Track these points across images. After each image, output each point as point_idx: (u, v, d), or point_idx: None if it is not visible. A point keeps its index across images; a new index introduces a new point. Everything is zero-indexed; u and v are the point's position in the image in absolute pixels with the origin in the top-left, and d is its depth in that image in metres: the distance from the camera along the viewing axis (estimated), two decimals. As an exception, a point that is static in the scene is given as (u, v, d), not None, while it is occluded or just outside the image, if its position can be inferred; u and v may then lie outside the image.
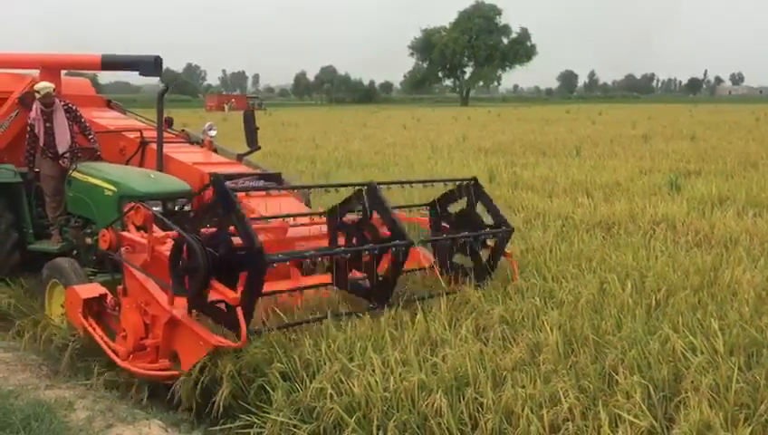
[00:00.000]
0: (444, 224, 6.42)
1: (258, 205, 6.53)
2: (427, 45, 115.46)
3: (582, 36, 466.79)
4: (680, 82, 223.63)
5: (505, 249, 6.30)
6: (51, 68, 8.42)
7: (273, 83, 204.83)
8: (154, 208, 5.64)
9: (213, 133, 8.57)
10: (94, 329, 5.27)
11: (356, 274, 5.54)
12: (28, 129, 7.28)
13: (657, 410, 3.73)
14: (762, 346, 4.46)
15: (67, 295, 5.52)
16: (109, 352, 5.10)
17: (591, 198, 11.35)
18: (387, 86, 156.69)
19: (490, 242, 6.27)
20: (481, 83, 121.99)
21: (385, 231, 5.61)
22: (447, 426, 3.70)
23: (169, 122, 8.73)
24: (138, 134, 8.04)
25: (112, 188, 6.45)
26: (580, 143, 23.28)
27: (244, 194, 6.16)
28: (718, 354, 4.27)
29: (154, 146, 7.64)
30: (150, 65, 8.30)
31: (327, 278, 5.62)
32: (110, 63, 8.66)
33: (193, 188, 6.77)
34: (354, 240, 5.63)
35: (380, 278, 5.39)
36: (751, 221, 8.86)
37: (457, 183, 6.38)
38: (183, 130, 9.14)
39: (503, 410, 3.77)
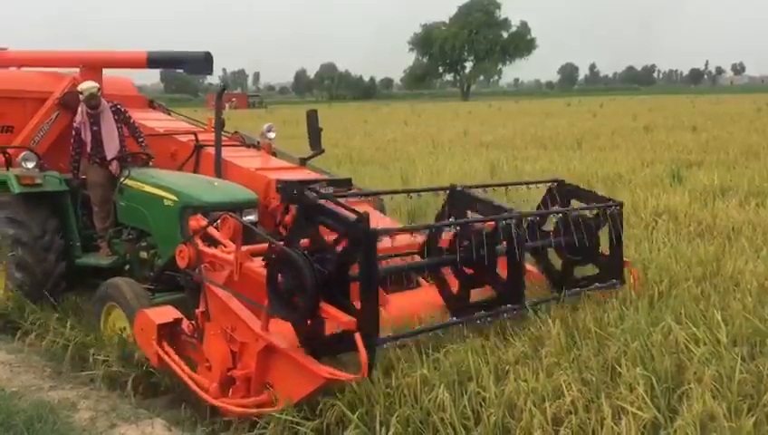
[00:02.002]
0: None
1: None
2: (426, 41, 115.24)
3: (583, 29, 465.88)
4: (681, 73, 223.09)
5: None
6: (92, 66, 7.95)
7: (273, 81, 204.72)
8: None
9: (272, 135, 7.98)
10: (173, 359, 4.64)
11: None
12: (73, 133, 6.78)
13: (660, 402, 3.72)
14: (765, 336, 4.46)
15: (137, 320, 4.87)
16: (194, 387, 4.46)
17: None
18: (387, 82, 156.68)
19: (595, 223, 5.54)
20: (481, 78, 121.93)
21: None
22: (450, 421, 3.69)
23: (221, 124, 8.27)
24: (191, 137, 7.55)
25: (173, 197, 5.84)
26: (582, 136, 23.24)
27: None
28: (721, 345, 4.26)
29: (210, 150, 7.15)
30: (200, 62, 7.80)
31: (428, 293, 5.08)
32: (156, 61, 8.13)
33: (259, 197, 6.25)
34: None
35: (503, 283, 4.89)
36: (753, 211, 8.84)
37: (542, 186, 5.93)
38: (236, 132, 8.47)
39: (505, 404, 3.76)
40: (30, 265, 6.39)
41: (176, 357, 4.64)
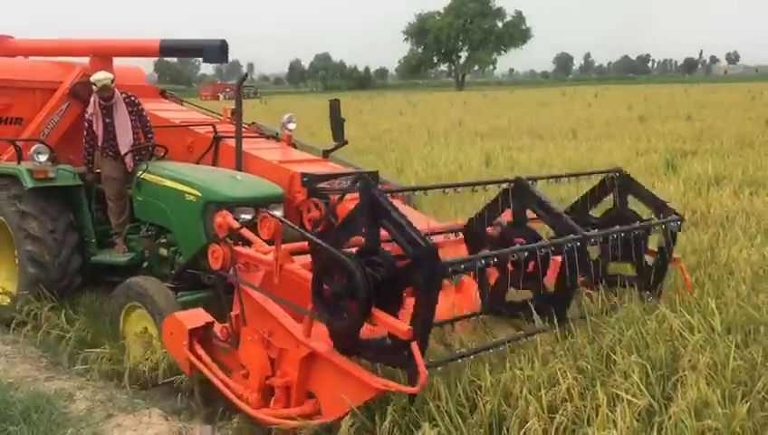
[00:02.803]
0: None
1: None
2: (421, 30, 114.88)
3: (577, 18, 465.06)
4: (676, 62, 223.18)
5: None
6: (102, 55, 7.72)
7: (267, 72, 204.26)
8: (243, 216, 5.13)
9: (292, 126, 7.68)
10: (207, 366, 4.35)
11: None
12: (85, 125, 6.55)
13: (654, 389, 3.74)
14: (759, 324, 4.48)
15: (167, 324, 4.59)
16: (232, 396, 4.15)
17: (589, 182, 11.32)
18: (382, 72, 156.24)
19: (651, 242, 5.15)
20: (476, 67, 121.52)
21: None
22: (446, 409, 3.70)
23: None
24: (208, 129, 7.25)
25: (195, 192, 5.58)
26: (577, 125, 23.28)
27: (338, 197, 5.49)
28: (715, 333, 4.28)
29: (229, 142, 6.91)
30: (216, 50, 7.50)
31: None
32: (169, 49, 7.83)
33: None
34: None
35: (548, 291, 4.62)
36: (747, 200, 8.89)
37: (602, 177, 5.59)
38: (253, 123, 8.05)
39: (501, 392, 3.77)
40: (44, 260, 6.18)
41: (211, 364, 4.36)
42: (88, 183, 6.65)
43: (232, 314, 4.28)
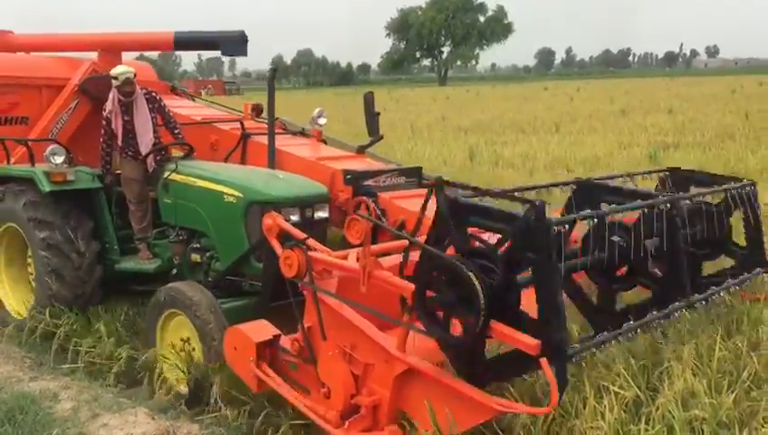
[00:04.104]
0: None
1: (407, 207, 5.54)
2: (403, 25, 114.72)
3: (559, 13, 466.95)
4: (656, 56, 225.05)
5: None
6: (112, 50, 7.25)
7: (250, 68, 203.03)
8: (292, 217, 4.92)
9: (323, 121, 7.32)
10: (280, 384, 3.97)
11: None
12: (103, 123, 6.02)
13: (640, 380, 3.76)
14: (741, 314, 4.52)
15: (228, 338, 4.21)
16: (315, 417, 3.74)
17: (572, 174, 11.40)
18: (365, 68, 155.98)
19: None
20: (459, 63, 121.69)
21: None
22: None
23: (259, 110, 7.53)
24: (234, 125, 6.90)
25: (236, 193, 5.15)
26: (559, 119, 23.38)
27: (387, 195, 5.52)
28: (699, 323, 4.32)
29: (259, 139, 6.57)
30: (235, 42, 7.09)
31: None
32: (185, 42, 7.32)
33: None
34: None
35: None
36: (729, 192, 8.94)
37: (660, 176, 5.24)
38: (277, 119, 7.33)
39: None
40: (64, 272, 5.70)
41: (283, 382, 3.99)
42: (107, 186, 6.18)
43: (305, 325, 3.88)
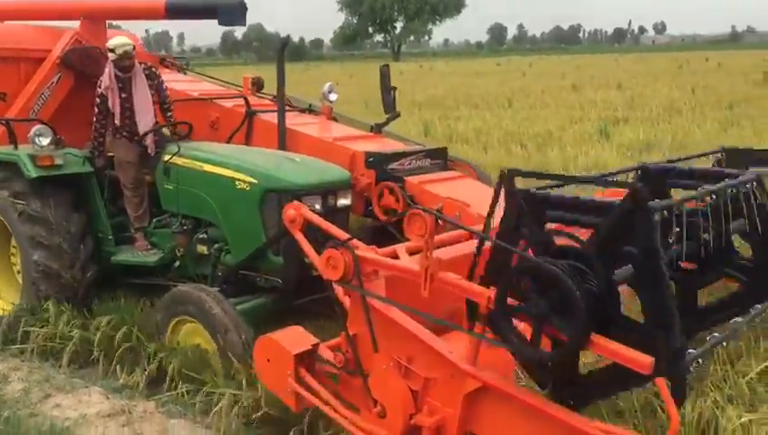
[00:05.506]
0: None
1: (440, 192, 5.17)
2: (356, 0, 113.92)
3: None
4: (606, 32, 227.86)
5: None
6: (96, 18, 6.60)
7: (199, 43, 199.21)
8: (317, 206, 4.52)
9: (333, 97, 6.87)
10: (326, 402, 3.39)
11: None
12: (97, 101, 5.46)
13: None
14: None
15: (259, 349, 3.56)
16: None
17: (525, 148, 11.56)
18: (317, 43, 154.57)
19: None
20: (412, 38, 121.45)
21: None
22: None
23: (260, 85, 7.09)
24: (237, 102, 6.41)
25: (249, 179, 4.68)
26: (512, 95, 23.58)
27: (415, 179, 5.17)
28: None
29: (265, 117, 6.12)
30: (234, 11, 6.47)
31: None
32: (177, 10, 6.65)
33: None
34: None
35: None
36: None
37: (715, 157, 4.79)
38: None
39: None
40: (55, 271, 5.16)
41: (329, 398, 3.40)
42: (99, 170, 5.61)
43: (350, 333, 3.32)
